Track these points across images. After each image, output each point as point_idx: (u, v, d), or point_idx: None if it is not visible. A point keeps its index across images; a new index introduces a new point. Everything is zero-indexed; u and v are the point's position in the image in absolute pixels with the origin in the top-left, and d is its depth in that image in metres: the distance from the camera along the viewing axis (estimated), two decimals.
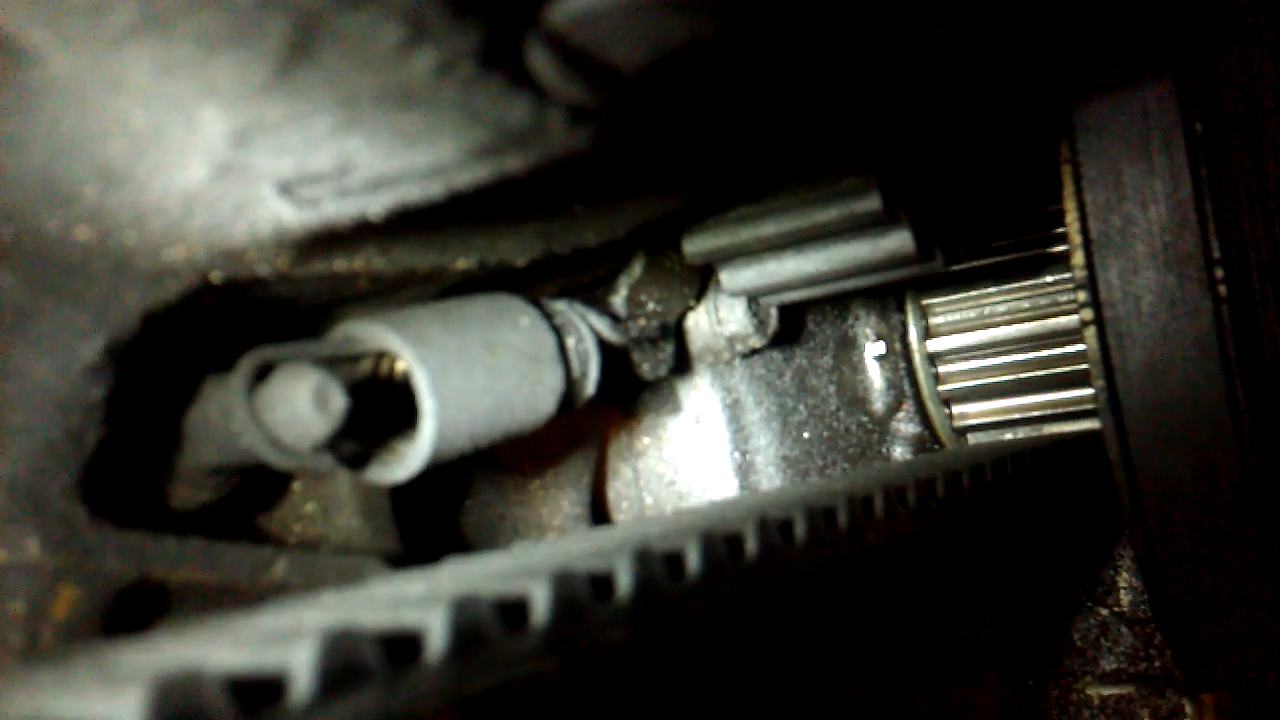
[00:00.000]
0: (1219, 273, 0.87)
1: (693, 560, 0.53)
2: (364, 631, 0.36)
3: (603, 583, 0.48)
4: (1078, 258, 0.90)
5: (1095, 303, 0.90)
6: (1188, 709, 1.08)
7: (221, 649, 0.35)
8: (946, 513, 0.78)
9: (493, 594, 0.43)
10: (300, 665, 0.34)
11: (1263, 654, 0.93)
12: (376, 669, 0.36)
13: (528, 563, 0.49)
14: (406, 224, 0.50)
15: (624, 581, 0.48)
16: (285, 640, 0.35)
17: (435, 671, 0.38)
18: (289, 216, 0.47)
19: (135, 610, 0.55)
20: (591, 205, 0.67)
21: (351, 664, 0.35)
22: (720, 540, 0.55)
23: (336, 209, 0.47)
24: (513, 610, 0.43)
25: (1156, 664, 1.13)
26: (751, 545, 0.58)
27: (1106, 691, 1.14)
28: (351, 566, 0.64)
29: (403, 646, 0.38)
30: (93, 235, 0.47)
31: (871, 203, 0.80)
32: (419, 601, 0.41)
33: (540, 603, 0.44)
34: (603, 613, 0.47)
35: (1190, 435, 0.89)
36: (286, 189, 0.45)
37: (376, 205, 0.47)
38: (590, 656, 0.47)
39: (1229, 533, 0.90)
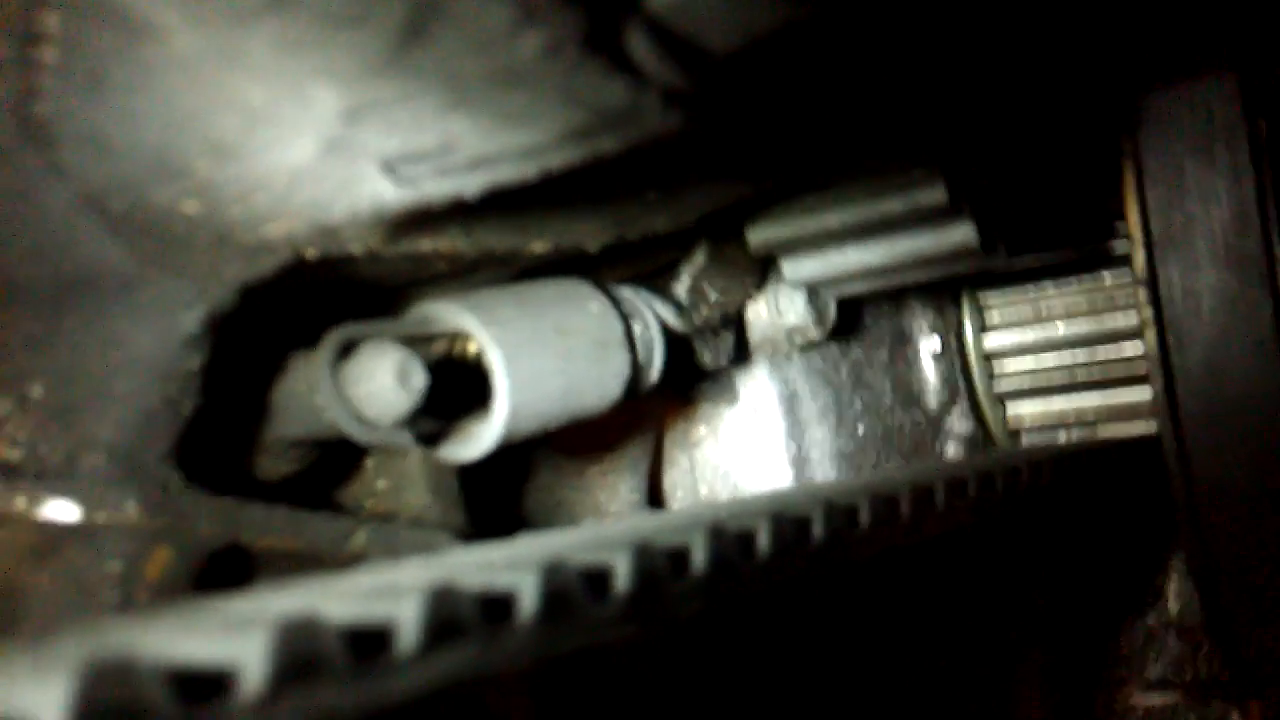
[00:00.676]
0: None
1: (763, 540, 0.54)
2: (464, 589, 0.38)
3: (679, 557, 0.49)
4: (1139, 255, 0.89)
5: (1155, 301, 0.89)
6: (1234, 717, 1.08)
7: (330, 602, 0.37)
8: (1003, 508, 0.79)
9: (579, 562, 0.44)
10: (408, 616, 0.35)
11: None
12: (475, 624, 0.37)
13: (606, 536, 0.51)
14: (494, 204, 0.51)
15: (699, 556, 0.50)
16: (392, 594, 0.36)
17: (526, 631, 0.40)
18: (389, 195, 0.48)
19: (223, 574, 0.57)
20: (665, 191, 0.68)
21: (453, 618, 0.37)
22: (790, 522, 0.56)
23: (434, 188, 0.48)
24: (596, 579, 0.45)
25: (1203, 672, 1.13)
26: (818, 528, 0.59)
27: (1152, 699, 1.13)
28: (426, 540, 0.65)
29: (496, 607, 0.40)
30: (200, 209, 0.49)
31: (936, 194, 0.81)
32: (509, 565, 0.42)
33: (622, 572, 0.45)
34: (679, 585, 0.48)
35: (1248, 440, 0.89)
36: (390, 167, 0.46)
37: (472, 185, 0.48)
38: (665, 627, 0.48)
39: None
